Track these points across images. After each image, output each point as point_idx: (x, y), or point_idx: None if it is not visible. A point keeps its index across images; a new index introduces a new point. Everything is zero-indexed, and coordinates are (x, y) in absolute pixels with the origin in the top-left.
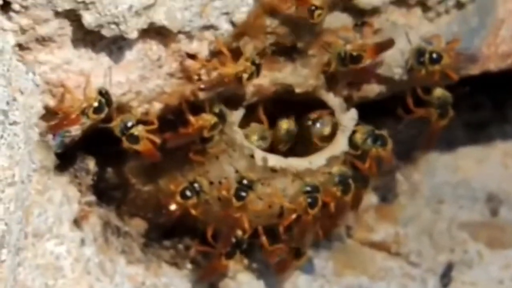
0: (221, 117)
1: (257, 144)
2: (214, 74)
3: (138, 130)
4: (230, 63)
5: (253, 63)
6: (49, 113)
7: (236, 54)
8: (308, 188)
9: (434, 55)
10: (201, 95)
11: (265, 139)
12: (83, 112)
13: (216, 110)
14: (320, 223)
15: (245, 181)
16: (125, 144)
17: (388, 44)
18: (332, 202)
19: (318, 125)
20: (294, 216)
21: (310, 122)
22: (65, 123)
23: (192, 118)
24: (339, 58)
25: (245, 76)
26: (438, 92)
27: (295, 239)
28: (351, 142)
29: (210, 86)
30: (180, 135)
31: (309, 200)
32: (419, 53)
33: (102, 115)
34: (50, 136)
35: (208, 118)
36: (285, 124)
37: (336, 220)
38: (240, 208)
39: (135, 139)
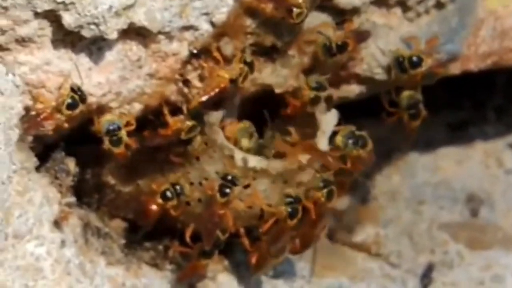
0: (199, 119)
1: (247, 143)
2: (208, 80)
3: (122, 134)
4: (222, 69)
5: (245, 62)
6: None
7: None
8: (290, 199)
9: (414, 59)
10: (198, 105)
11: (253, 133)
12: (57, 109)
13: (193, 113)
14: (299, 232)
15: (229, 177)
16: (106, 145)
17: (366, 34)
18: (313, 208)
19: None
20: (273, 220)
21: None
22: (39, 120)
23: (170, 120)
24: (325, 48)
25: (240, 78)
26: (406, 93)
27: (270, 242)
28: (332, 143)
29: (208, 97)
30: (159, 135)
31: (289, 210)
32: (398, 61)
33: (77, 111)
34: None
35: (185, 121)
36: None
37: (316, 229)
38: (224, 204)
39: (118, 142)
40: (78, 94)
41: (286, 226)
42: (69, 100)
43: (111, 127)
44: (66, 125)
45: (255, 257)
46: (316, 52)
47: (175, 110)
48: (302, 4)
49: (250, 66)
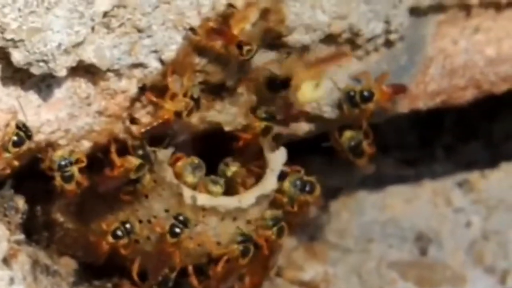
0: (145, 158)
1: (191, 178)
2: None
3: (73, 170)
4: (168, 101)
5: (191, 98)
6: None
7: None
8: (241, 238)
9: (365, 93)
10: (139, 135)
11: (199, 169)
12: (4, 148)
13: (140, 152)
14: (249, 271)
15: (181, 218)
16: (58, 181)
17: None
18: (265, 244)
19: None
20: (224, 260)
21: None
22: None
23: (117, 160)
24: (269, 83)
25: (184, 112)
26: (348, 134)
27: (219, 281)
28: (280, 188)
29: (151, 128)
30: (108, 177)
31: (241, 248)
32: (349, 95)
33: (24, 148)
34: None
35: (132, 161)
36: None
37: (267, 268)
38: (174, 244)
39: (70, 178)
40: (23, 131)
41: (237, 265)
42: (15, 138)
43: (63, 163)
44: (16, 162)
45: None
46: (259, 86)
47: (125, 149)
48: (250, 39)
49: (197, 102)
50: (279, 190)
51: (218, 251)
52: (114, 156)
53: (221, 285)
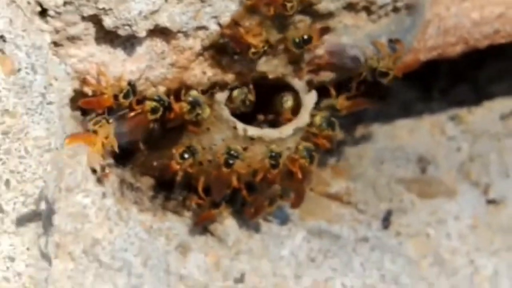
0: (195, 103)
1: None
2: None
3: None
4: (251, 36)
5: (266, 42)
6: (78, 95)
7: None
8: (273, 154)
9: (384, 70)
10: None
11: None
12: (115, 96)
13: (189, 98)
14: (293, 189)
15: (232, 152)
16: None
17: (326, 29)
18: (299, 171)
19: (284, 99)
20: (262, 172)
21: (280, 99)
22: (98, 101)
23: (175, 106)
24: (295, 43)
25: (253, 50)
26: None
27: (265, 189)
28: (312, 121)
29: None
30: (170, 118)
31: (272, 162)
32: (371, 69)
33: (128, 101)
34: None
35: (183, 106)
36: (236, 93)
37: (304, 184)
38: (228, 172)
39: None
40: (132, 88)
41: (272, 176)
42: (126, 91)
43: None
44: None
45: (252, 207)
46: (288, 46)
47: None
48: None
49: (270, 46)
50: (310, 124)
51: (257, 166)
52: (173, 102)
53: (265, 193)
